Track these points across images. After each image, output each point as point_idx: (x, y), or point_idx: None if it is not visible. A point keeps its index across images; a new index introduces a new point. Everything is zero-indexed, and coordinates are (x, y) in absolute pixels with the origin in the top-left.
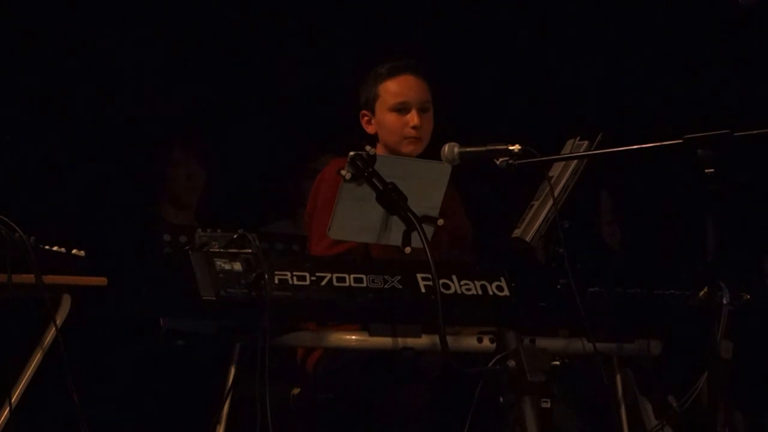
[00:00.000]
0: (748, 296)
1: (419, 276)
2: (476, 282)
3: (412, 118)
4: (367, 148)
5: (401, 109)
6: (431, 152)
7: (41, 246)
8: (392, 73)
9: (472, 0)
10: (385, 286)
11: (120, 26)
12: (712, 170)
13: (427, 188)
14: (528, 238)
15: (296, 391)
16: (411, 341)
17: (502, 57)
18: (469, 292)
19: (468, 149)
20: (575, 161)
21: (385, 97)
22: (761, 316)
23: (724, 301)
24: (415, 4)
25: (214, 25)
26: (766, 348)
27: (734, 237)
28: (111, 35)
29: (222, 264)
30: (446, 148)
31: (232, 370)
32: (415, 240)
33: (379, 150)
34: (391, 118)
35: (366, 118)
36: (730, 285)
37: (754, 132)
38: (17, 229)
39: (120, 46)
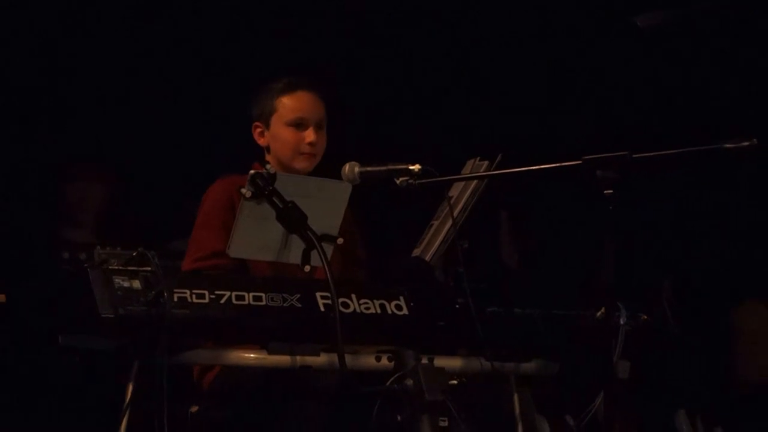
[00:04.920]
0: (645, 317)
1: (318, 294)
2: (375, 301)
3: (309, 134)
4: (268, 166)
5: (298, 124)
6: (332, 171)
7: None
8: (290, 89)
9: (376, 19)
10: (284, 305)
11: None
12: (611, 191)
13: (327, 207)
14: (427, 258)
15: (194, 409)
16: (309, 360)
17: (405, 77)
18: (368, 311)
19: (368, 168)
20: (475, 181)
21: (282, 112)
22: (658, 337)
23: (621, 322)
24: (315, 22)
25: (110, 41)
26: (662, 368)
27: (632, 257)
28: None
29: (121, 281)
30: (347, 167)
31: (130, 388)
32: (315, 258)
33: (271, 161)
34: (287, 133)
35: (259, 130)
36: (628, 305)
37: (653, 154)
38: None
39: (21, 70)
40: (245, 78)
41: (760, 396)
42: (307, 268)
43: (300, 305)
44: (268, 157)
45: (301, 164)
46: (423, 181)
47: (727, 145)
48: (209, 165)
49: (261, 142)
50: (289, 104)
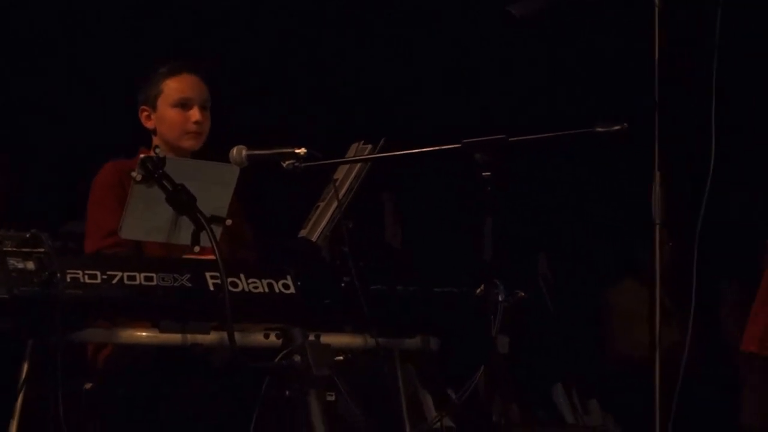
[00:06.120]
0: (523, 293)
1: (208, 274)
2: (263, 280)
3: (194, 114)
4: (157, 150)
5: (184, 104)
6: (220, 155)
7: None
8: (174, 72)
9: (260, 6)
10: (175, 284)
11: None
12: (489, 173)
13: (216, 189)
14: (314, 238)
15: (89, 386)
16: (200, 337)
17: (292, 62)
18: (257, 290)
19: (255, 152)
20: (359, 164)
21: (169, 93)
22: (535, 313)
23: (500, 298)
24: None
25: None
26: (540, 343)
27: (510, 237)
28: None
29: (15, 263)
30: (234, 150)
31: (25, 367)
32: (204, 239)
33: (158, 143)
34: (173, 114)
35: (146, 114)
36: (506, 282)
37: (528, 137)
38: None
39: None
40: (131, 66)
41: (633, 370)
42: (197, 248)
43: (190, 285)
44: (155, 140)
45: (188, 143)
46: (308, 164)
47: (599, 129)
48: (100, 150)
49: (148, 125)
50: (174, 86)
